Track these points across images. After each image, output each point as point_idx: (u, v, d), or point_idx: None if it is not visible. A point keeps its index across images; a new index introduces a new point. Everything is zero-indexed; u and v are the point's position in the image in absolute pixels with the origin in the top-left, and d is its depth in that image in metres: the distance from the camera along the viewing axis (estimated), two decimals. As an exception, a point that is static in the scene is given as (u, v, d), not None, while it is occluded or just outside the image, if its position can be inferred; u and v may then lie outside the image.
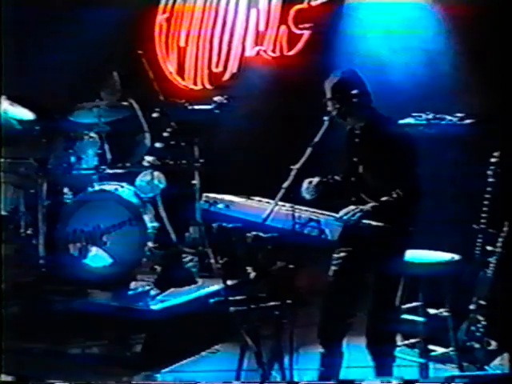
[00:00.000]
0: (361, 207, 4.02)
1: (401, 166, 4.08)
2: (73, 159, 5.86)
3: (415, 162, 4.15)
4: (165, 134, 6.01)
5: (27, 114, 6.01)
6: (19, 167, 5.91)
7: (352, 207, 4.02)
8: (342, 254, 4.15)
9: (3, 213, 5.90)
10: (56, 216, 5.73)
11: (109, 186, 5.81)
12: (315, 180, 4.26)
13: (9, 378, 4.38)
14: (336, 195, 4.28)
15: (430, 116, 5.45)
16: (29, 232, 5.84)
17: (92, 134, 5.91)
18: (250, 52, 6.97)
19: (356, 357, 4.34)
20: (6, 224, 5.92)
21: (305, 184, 4.22)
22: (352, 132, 4.32)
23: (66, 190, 5.93)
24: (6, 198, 5.89)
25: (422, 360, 4.63)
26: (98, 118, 5.87)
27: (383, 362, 4.17)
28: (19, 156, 5.90)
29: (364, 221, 3.96)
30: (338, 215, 3.99)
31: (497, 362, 4.73)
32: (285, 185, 3.90)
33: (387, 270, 4.03)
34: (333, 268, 4.21)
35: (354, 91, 4.18)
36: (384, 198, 4.04)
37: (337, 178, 4.39)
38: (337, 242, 3.86)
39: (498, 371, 4.59)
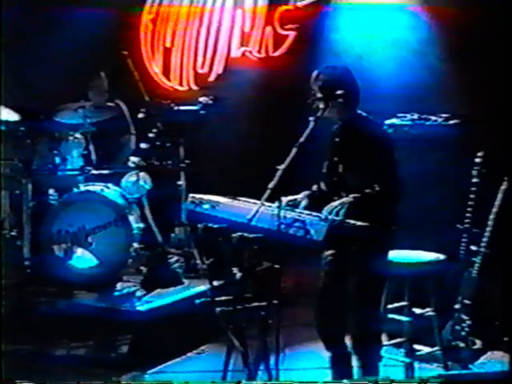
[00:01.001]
0: (343, 200, 4.02)
1: (379, 164, 4.08)
2: (58, 160, 5.84)
3: (393, 160, 4.16)
4: (150, 135, 6.00)
5: (12, 115, 5.99)
6: (4, 168, 5.88)
7: (334, 204, 4.02)
8: (330, 254, 4.16)
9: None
10: (41, 217, 5.71)
11: (94, 187, 5.79)
12: (303, 202, 4.24)
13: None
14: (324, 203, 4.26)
15: (415, 116, 5.48)
16: (13, 233, 5.82)
17: (77, 135, 5.89)
18: (235, 53, 6.97)
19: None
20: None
21: (289, 200, 4.20)
22: (333, 131, 4.33)
23: (51, 190, 5.90)
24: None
25: (407, 359, 4.65)
26: (83, 119, 5.86)
27: (369, 362, 4.18)
28: (4, 157, 5.87)
29: (349, 221, 3.97)
30: (322, 215, 3.99)
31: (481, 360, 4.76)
32: (270, 185, 3.90)
33: (371, 269, 4.04)
34: (323, 268, 4.22)
35: (340, 91, 4.18)
36: (367, 190, 4.05)
37: (323, 187, 4.38)
38: (322, 242, 3.87)
39: (483, 370, 4.61)
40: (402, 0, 6.33)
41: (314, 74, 4.25)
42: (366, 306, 4.13)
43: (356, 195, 4.04)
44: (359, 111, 4.27)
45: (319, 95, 4.16)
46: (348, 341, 4.21)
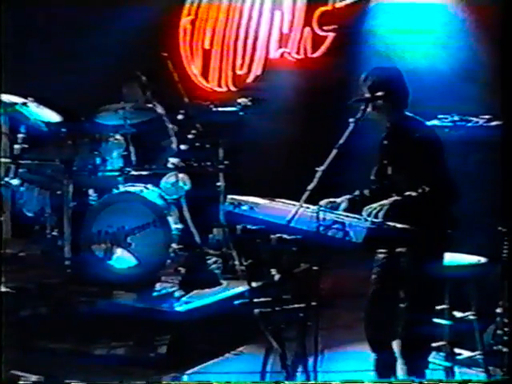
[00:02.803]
0: (383, 202, 3.99)
1: (429, 166, 4.05)
2: (98, 161, 5.88)
3: (444, 161, 4.12)
4: (189, 136, 6.02)
5: (54, 116, 6.06)
6: (45, 169, 5.96)
7: (374, 205, 3.99)
8: (382, 257, 4.14)
9: (30, 214, 5.97)
10: (81, 217, 5.75)
11: (133, 188, 5.83)
12: (342, 204, 4.21)
13: (34, 378, 4.43)
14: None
15: (456, 118, 5.41)
16: (54, 233, 5.88)
17: (117, 136, 5.94)
18: (274, 54, 6.98)
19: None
20: (33, 225, 5.98)
21: (328, 202, 4.18)
22: (382, 135, 4.30)
23: (91, 191, 5.96)
24: (33, 199, 5.95)
25: (447, 363, 4.59)
26: (123, 120, 5.90)
27: (416, 367, 4.13)
28: (45, 158, 5.95)
29: (389, 222, 3.93)
30: (362, 216, 3.96)
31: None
32: (310, 187, 3.88)
33: (424, 272, 3.99)
34: (375, 271, 4.19)
35: (380, 93, 4.15)
36: (407, 193, 4.01)
37: (366, 193, 4.35)
38: (362, 244, 3.84)
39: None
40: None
41: (363, 76, 4.22)
42: (418, 310, 4.08)
43: (397, 198, 4.01)
44: (406, 112, 4.24)
45: (367, 95, 4.13)
46: (396, 345, 4.18)
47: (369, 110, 4.07)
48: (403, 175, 4.12)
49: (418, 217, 3.92)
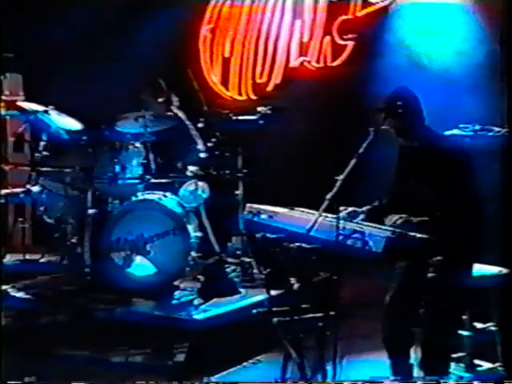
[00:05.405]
0: (410, 218, 3.99)
1: (462, 182, 4.06)
2: (117, 169, 5.90)
3: (475, 177, 4.13)
4: (209, 144, 6.03)
5: (74, 124, 6.09)
6: (65, 176, 6.00)
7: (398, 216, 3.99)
8: (403, 266, 4.13)
9: (50, 221, 6.00)
10: (101, 225, 5.78)
11: (153, 196, 5.85)
12: (362, 214, 4.22)
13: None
14: (384, 216, 4.20)
15: (477, 127, 5.37)
16: (74, 240, 5.91)
17: (137, 144, 5.96)
18: (294, 62, 6.98)
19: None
20: (53, 232, 6.01)
21: (347, 211, 4.18)
22: (405, 153, 4.28)
23: (110, 199, 5.98)
24: (53, 206, 5.99)
25: (468, 375, 4.55)
26: (143, 128, 5.92)
27: (435, 378, 4.11)
28: (66, 165, 5.98)
29: (409, 233, 3.92)
30: (386, 224, 3.96)
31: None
32: (329, 196, 3.88)
33: (446, 282, 3.97)
34: (396, 279, 4.18)
35: (399, 102, 4.15)
36: (438, 213, 4.00)
37: (385, 202, 4.33)
38: (381, 253, 3.83)
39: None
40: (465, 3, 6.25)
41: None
42: (440, 319, 4.06)
43: (424, 219, 3.99)
44: (430, 125, 4.24)
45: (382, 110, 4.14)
46: (413, 353, 4.17)
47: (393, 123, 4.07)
48: (435, 192, 4.09)
49: (445, 230, 3.91)
